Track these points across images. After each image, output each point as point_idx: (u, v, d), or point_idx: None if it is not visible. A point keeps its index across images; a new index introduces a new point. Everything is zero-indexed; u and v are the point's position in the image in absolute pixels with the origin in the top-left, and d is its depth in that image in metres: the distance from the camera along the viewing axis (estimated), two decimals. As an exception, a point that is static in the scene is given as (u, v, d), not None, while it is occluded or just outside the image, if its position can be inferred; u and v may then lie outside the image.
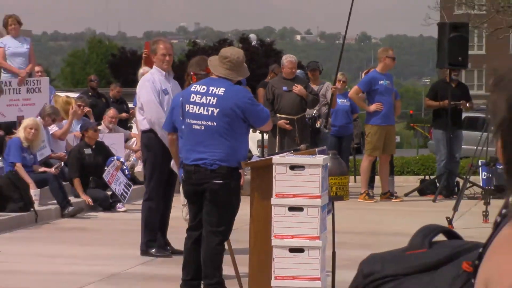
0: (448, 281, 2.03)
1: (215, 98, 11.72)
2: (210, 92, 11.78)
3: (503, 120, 1.68)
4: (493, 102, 1.70)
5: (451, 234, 2.20)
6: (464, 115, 23.94)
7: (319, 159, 11.67)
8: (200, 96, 11.84)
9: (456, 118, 22.66)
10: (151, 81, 14.58)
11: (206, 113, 11.73)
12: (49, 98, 21.46)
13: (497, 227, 1.87)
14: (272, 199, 11.20)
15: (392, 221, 18.58)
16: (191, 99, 11.85)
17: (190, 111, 11.81)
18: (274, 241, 11.16)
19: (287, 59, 21.81)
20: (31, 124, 18.89)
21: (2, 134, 18.18)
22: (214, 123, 11.68)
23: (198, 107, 11.78)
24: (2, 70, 21.20)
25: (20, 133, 18.74)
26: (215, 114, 11.69)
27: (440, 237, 2.11)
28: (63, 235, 17.17)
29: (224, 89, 11.77)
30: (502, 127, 1.68)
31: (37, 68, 22.10)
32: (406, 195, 22.57)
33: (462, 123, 23.50)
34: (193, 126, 11.78)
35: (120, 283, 13.18)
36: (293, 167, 11.32)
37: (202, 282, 11.85)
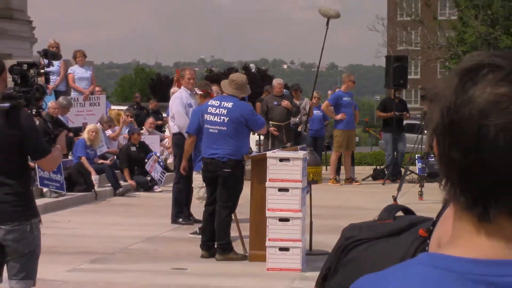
0: (408, 242, 2.01)
1: (226, 110, 11.79)
2: (222, 105, 11.87)
3: (437, 125, 1.66)
4: (430, 112, 1.68)
5: (408, 211, 2.18)
6: (405, 122, 23.89)
7: (300, 153, 11.75)
8: (215, 108, 11.92)
9: (399, 124, 22.66)
10: (180, 98, 14.65)
11: (219, 120, 11.80)
12: (106, 110, 21.47)
13: (446, 202, 1.85)
14: (266, 182, 11.27)
15: (353, 198, 18.57)
16: (209, 110, 11.96)
17: (208, 119, 11.88)
18: (268, 213, 11.18)
19: (277, 81, 22.12)
20: (93, 128, 18.93)
21: (71, 136, 18.16)
22: (225, 128, 11.74)
23: (213, 116, 11.86)
24: (72, 90, 21.20)
25: (85, 135, 18.78)
26: (225, 121, 11.75)
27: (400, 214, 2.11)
28: (115, 209, 17.19)
29: (232, 103, 11.83)
30: (437, 130, 1.66)
31: (97, 89, 22.11)
32: (363, 180, 22.57)
33: (404, 128, 23.46)
34: (210, 130, 11.86)
35: (156, 243, 13.17)
36: (281, 160, 11.41)
37: (215, 242, 11.86)
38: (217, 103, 12.04)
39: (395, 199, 16.63)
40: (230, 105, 11.87)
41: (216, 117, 11.87)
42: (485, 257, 1.61)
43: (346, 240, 2.10)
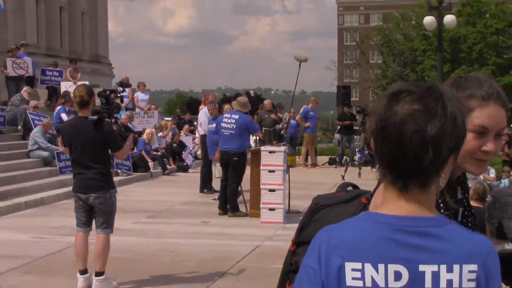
0: (355, 207, 2.01)
1: (234, 120, 11.83)
2: (231, 117, 11.96)
3: (373, 130, 1.66)
4: (369, 122, 1.68)
5: (354, 186, 2.17)
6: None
7: (282, 148, 11.76)
8: (227, 119, 11.95)
9: (349, 130, 22.54)
10: (205, 112, 14.58)
11: (230, 127, 11.82)
12: (158, 120, 21.38)
13: (379, 181, 1.85)
14: (260, 166, 11.27)
15: (316, 177, 18.52)
16: (223, 121, 11.98)
17: (223, 126, 11.90)
18: (261, 186, 11.21)
19: (267, 102, 22.55)
20: (149, 132, 18.91)
21: (136, 136, 18.13)
22: (233, 131, 11.75)
23: (226, 124, 11.90)
24: (136, 107, 21.15)
25: (144, 136, 18.74)
26: (234, 127, 11.77)
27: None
28: (164, 183, 17.15)
29: (238, 116, 11.90)
30: (373, 133, 1.67)
31: (152, 107, 21.99)
32: (322, 165, 22.51)
33: (353, 131, 23.38)
34: (224, 133, 11.87)
35: (190, 205, 13.15)
36: (270, 152, 11.41)
37: (228, 205, 11.87)
38: (229, 116, 12.07)
39: (343, 177, 16.66)
40: (237, 117, 11.88)
41: (228, 124, 11.88)
42: (403, 214, 1.64)
43: (315, 205, 2.11)
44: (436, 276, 1.58)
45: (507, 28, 51.91)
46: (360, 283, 1.58)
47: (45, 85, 21.37)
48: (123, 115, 18.13)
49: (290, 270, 2.08)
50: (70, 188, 7.39)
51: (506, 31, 51.94)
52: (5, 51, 21.35)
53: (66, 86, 19.91)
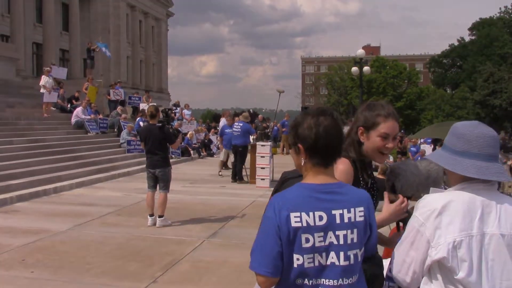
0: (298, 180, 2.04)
1: (240, 126, 11.70)
2: (239, 124, 11.77)
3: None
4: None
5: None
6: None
7: (269, 143, 11.63)
8: (236, 125, 11.82)
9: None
10: (223, 122, 14.37)
11: (238, 130, 11.70)
12: (196, 126, 21.16)
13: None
14: (256, 154, 11.16)
15: (288, 160, 18.33)
16: (235, 126, 11.84)
17: (234, 129, 11.77)
18: (257, 165, 11.10)
19: (260, 116, 22.21)
20: (191, 133, 18.70)
21: (183, 135, 17.94)
22: (240, 133, 11.64)
23: (236, 128, 11.76)
24: (184, 118, 20.88)
25: (188, 135, 18.54)
26: (240, 131, 11.65)
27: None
28: (199, 163, 16.93)
29: (242, 124, 11.74)
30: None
31: (193, 118, 21.72)
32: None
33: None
34: (234, 133, 11.74)
35: (213, 176, 12.98)
36: (262, 145, 11.29)
37: (236, 176, 11.78)
38: (237, 124, 11.91)
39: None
40: (242, 124, 11.75)
41: (237, 129, 11.75)
42: (321, 182, 1.66)
43: (284, 177, 2.08)
44: (341, 215, 1.63)
45: (398, 75, 53.99)
46: (299, 224, 1.61)
47: (131, 105, 21.26)
48: (176, 123, 18.00)
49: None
50: (144, 165, 7.33)
51: (398, 76, 53.98)
52: (108, 85, 21.57)
53: (143, 106, 19.78)
